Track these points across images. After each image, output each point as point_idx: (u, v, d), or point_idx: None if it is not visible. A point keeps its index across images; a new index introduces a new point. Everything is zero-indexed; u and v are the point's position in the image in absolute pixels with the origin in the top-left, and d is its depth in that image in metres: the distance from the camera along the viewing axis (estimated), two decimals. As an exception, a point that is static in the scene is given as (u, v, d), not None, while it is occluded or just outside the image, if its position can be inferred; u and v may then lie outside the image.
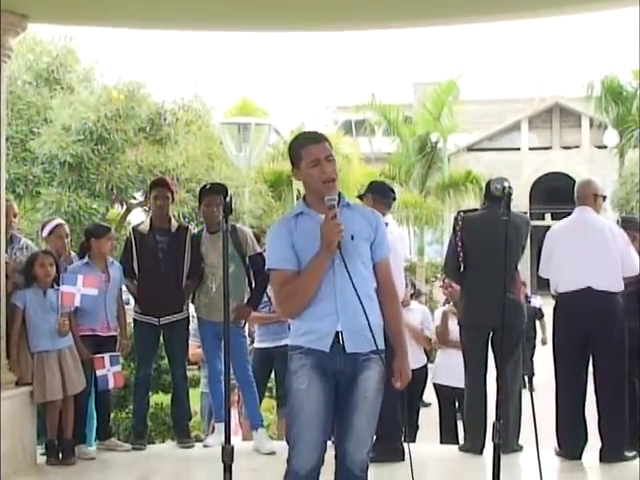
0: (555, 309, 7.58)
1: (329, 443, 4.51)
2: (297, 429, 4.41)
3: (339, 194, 4.52)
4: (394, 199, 7.91)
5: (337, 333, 4.38)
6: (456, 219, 7.90)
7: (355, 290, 4.28)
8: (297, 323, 4.51)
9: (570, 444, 7.36)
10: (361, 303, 4.28)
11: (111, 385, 7.96)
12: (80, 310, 7.74)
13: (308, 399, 4.38)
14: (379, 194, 7.66)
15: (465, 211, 8.23)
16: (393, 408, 7.09)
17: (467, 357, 7.83)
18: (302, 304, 4.42)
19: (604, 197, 7.79)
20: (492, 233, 7.39)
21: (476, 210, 8.15)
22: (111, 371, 7.87)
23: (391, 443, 7.24)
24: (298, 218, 4.52)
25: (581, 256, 7.29)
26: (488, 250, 7.31)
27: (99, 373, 7.82)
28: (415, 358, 9.69)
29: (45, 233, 8.41)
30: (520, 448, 7.66)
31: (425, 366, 9.91)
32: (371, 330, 4.33)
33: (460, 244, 7.75)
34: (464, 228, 7.74)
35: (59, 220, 8.81)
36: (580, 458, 7.33)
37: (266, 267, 4.57)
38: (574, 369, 7.38)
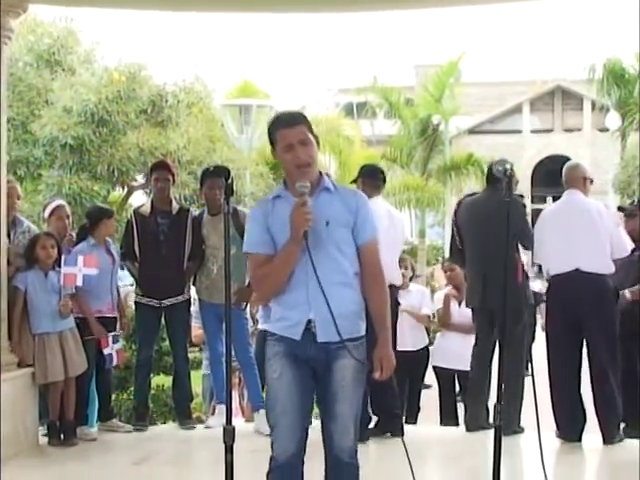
0: (547, 292, 7.65)
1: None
2: (274, 416, 4.39)
3: (321, 177, 4.44)
4: (384, 181, 7.89)
5: (309, 321, 4.31)
6: (457, 203, 8.04)
7: (318, 280, 4.18)
8: (273, 309, 4.46)
9: (568, 426, 7.38)
10: (323, 293, 4.18)
11: (115, 362, 8.07)
12: (88, 292, 7.76)
13: (280, 387, 4.34)
14: (368, 177, 7.73)
15: (468, 195, 8.30)
16: (392, 385, 7.21)
17: (476, 338, 7.98)
18: (273, 290, 4.38)
19: (591, 180, 7.79)
20: (485, 216, 7.45)
21: (474, 194, 8.23)
22: (114, 349, 7.95)
23: (391, 418, 7.44)
24: (275, 201, 4.44)
25: (569, 238, 7.31)
26: (483, 233, 7.39)
27: (105, 352, 7.86)
28: (416, 340, 9.76)
29: (46, 214, 8.42)
30: (522, 430, 7.69)
31: (426, 348, 9.94)
32: (334, 320, 4.19)
33: (457, 228, 7.86)
34: (458, 212, 7.86)
35: (60, 201, 8.81)
36: (580, 440, 7.34)
37: (242, 251, 4.53)
38: (567, 351, 7.42)
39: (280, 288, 4.34)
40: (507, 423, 7.54)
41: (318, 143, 4.47)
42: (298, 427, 4.34)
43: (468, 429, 7.86)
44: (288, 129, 4.37)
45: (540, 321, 16.16)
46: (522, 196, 8.35)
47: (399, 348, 9.99)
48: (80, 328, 7.79)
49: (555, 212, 7.67)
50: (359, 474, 4.47)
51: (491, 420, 6.50)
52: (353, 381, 4.35)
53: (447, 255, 11.66)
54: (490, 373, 7.71)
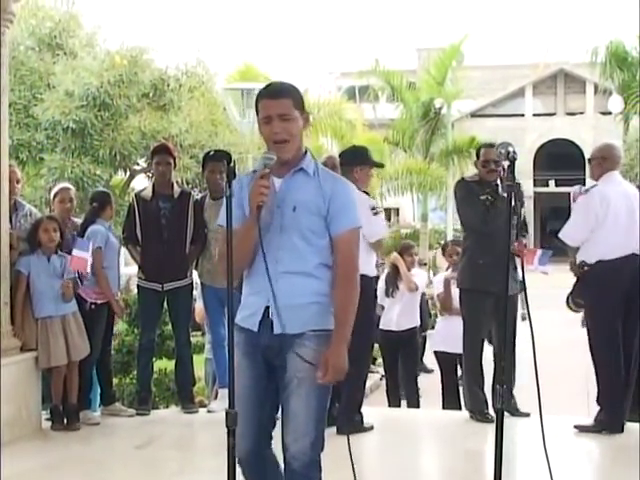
0: (591, 278, 7.29)
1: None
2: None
3: (303, 157, 4.15)
4: (361, 163, 7.43)
5: (267, 309, 4.08)
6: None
7: (266, 267, 3.96)
8: (243, 293, 4.28)
9: (617, 418, 7.32)
10: (270, 283, 3.97)
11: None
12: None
13: (237, 381, 4.06)
14: (344, 161, 7.42)
15: (464, 178, 8.30)
16: (357, 379, 7.05)
17: (467, 321, 7.86)
18: (234, 269, 4.03)
19: None
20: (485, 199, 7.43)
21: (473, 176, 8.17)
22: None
23: (349, 415, 7.10)
24: (253, 177, 4.12)
25: (627, 223, 7.20)
26: (482, 217, 7.37)
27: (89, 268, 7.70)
28: (400, 320, 9.84)
29: (51, 196, 8.43)
30: (527, 415, 7.67)
31: (414, 329, 10.02)
32: (278, 311, 4.01)
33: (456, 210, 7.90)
34: (456, 194, 7.89)
35: (66, 184, 8.80)
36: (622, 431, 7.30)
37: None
38: (616, 336, 7.23)
39: (240, 267, 4.09)
40: (508, 405, 7.59)
41: (307, 120, 4.22)
42: (254, 425, 4.15)
43: (471, 414, 7.81)
44: (270, 100, 4.10)
45: (520, 311, 16.09)
46: (519, 183, 8.28)
47: (383, 327, 10.12)
48: (93, 312, 7.86)
49: (609, 195, 7.32)
50: None
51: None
52: (309, 383, 4.00)
53: (449, 238, 11.66)
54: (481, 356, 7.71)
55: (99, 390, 8.31)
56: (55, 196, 8.26)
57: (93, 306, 7.88)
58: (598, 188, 7.38)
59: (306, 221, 4.06)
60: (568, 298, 7.58)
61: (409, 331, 10.02)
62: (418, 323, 10.20)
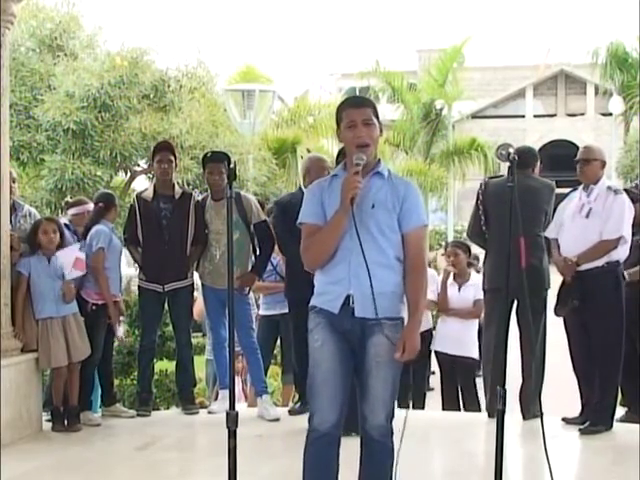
0: (614, 276, 7.28)
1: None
2: (315, 386, 4.44)
3: (378, 163, 4.56)
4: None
5: (348, 297, 4.41)
6: (480, 184, 7.95)
7: (363, 255, 4.30)
8: (316, 284, 4.57)
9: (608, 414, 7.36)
10: (368, 269, 4.30)
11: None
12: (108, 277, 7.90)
13: (322, 357, 4.42)
14: (339, 160, 7.48)
15: (491, 177, 8.23)
16: None
17: (488, 321, 7.86)
18: (319, 257, 4.48)
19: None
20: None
21: (502, 176, 8.11)
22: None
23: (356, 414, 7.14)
24: (333, 179, 4.59)
25: None
26: (508, 215, 7.34)
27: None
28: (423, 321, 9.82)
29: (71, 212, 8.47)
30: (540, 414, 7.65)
31: (429, 332, 9.97)
32: (373, 297, 4.32)
33: (482, 209, 7.77)
34: (485, 193, 7.76)
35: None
36: None
37: (297, 222, 4.61)
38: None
39: (325, 255, 4.45)
40: (527, 407, 7.57)
41: (381, 131, 4.59)
42: (339, 397, 4.41)
43: (490, 415, 7.72)
44: (354, 109, 4.54)
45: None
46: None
47: None
48: (95, 313, 7.87)
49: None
50: (392, 454, 4.50)
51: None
52: (388, 359, 4.40)
53: (450, 239, 11.61)
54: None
55: (100, 391, 8.31)
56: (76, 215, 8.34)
57: (94, 307, 7.89)
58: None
59: (383, 217, 4.46)
60: (566, 301, 7.49)
61: (421, 334, 9.93)
62: (430, 325, 10.12)
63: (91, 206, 8.37)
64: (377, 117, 4.59)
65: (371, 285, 4.32)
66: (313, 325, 4.50)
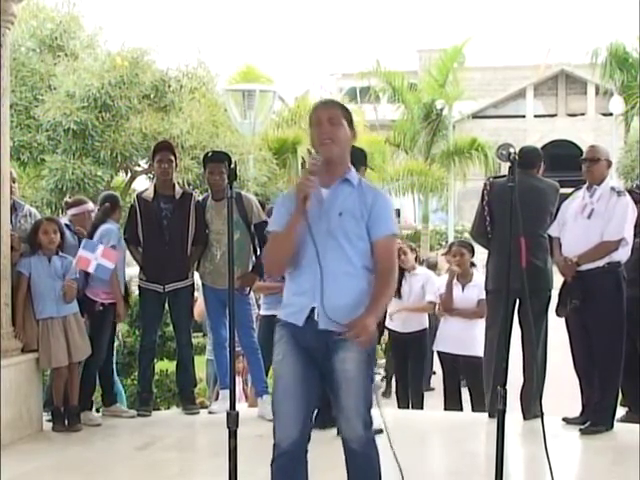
0: (618, 277, 7.29)
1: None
2: (276, 402, 4.37)
3: (347, 170, 4.45)
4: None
5: (313, 309, 4.29)
6: (485, 184, 7.89)
7: (320, 267, 4.23)
8: (284, 295, 4.49)
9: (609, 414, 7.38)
10: (332, 280, 4.23)
11: (111, 264, 7.74)
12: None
13: (282, 371, 4.34)
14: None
15: (495, 177, 8.20)
16: None
17: (491, 322, 7.85)
18: (276, 261, 4.43)
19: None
20: (519, 199, 7.38)
21: (505, 176, 8.07)
22: (98, 253, 7.71)
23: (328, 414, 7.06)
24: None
25: None
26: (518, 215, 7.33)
27: (91, 269, 7.74)
28: (406, 323, 9.83)
29: (72, 212, 8.42)
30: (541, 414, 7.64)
31: (423, 332, 9.98)
32: (338, 308, 4.22)
33: (487, 209, 7.74)
34: (491, 193, 7.72)
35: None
36: None
37: (265, 230, 4.59)
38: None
39: (281, 259, 4.37)
40: (528, 407, 7.56)
41: (354, 136, 4.52)
42: (301, 412, 4.29)
43: (491, 415, 7.70)
44: (322, 107, 4.50)
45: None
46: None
47: (389, 327, 10.10)
48: (101, 313, 7.89)
49: None
50: (375, 462, 4.41)
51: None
52: (357, 372, 4.30)
53: (450, 239, 11.59)
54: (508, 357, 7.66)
55: (121, 389, 8.38)
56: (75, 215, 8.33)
57: (101, 307, 7.89)
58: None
59: (351, 225, 4.35)
60: (566, 301, 7.48)
61: (417, 333, 9.97)
62: (426, 325, 10.14)
63: (90, 206, 8.37)
64: (349, 121, 4.49)
65: (336, 296, 4.24)
66: (277, 339, 4.41)
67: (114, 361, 8.58)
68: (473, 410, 9.25)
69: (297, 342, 4.33)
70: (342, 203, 4.37)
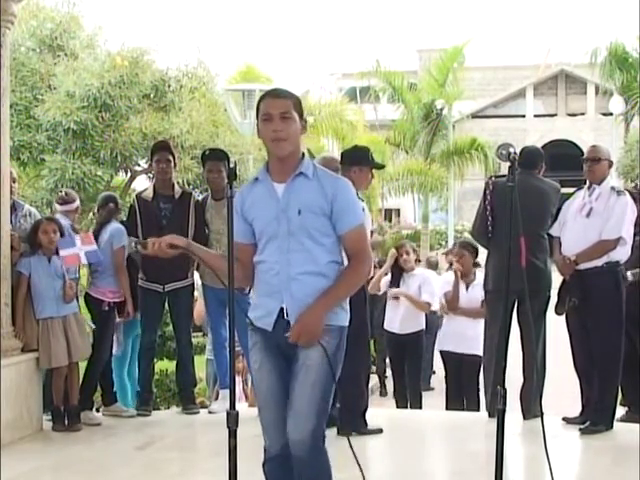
0: (618, 277, 7.30)
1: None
2: (259, 409, 4.33)
3: (301, 161, 4.28)
4: (358, 163, 7.30)
5: (282, 309, 4.20)
6: (487, 184, 7.85)
7: (284, 270, 4.17)
8: (253, 294, 4.45)
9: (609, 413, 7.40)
10: (296, 281, 4.15)
11: (94, 246, 7.79)
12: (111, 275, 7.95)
13: (261, 378, 4.30)
14: (343, 161, 7.35)
15: (497, 176, 8.19)
16: (355, 378, 6.92)
17: (490, 322, 7.83)
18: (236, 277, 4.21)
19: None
20: (522, 198, 7.38)
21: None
22: (79, 244, 7.74)
23: (352, 415, 6.99)
24: (254, 185, 4.37)
25: None
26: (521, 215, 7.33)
27: (82, 260, 7.78)
28: (403, 324, 9.83)
29: (65, 208, 8.40)
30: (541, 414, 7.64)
31: (420, 333, 9.99)
32: (293, 312, 4.14)
33: (489, 209, 7.71)
34: (494, 193, 7.70)
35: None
36: None
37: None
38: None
39: (237, 275, 4.19)
40: (528, 407, 7.56)
41: (305, 127, 4.33)
42: (284, 420, 4.21)
43: (490, 415, 7.69)
44: (272, 99, 4.25)
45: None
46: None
47: (387, 328, 10.12)
48: (107, 313, 7.95)
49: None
50: (321, 469, 4.24)
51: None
52: (316, 372, 4.16)
53: (450, 239, 11.58)
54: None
55: (137, 388, 8.39)
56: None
57: (107, 307, 7.90)
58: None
59: (312, 222, 4.20)
60: (565, 300, 7.47)
61: (413, 335, 9.98)
62: (423, 326, 10.14)
63: (78, 203, 8.41)
64: (299, 112, 4.27)
65: (301, 297, 4.14)
66: (251, 344, 4.34)
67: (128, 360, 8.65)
68: (466, 409, 9.27)
69: (270, 346, 4.27)
70: (299, 199, 4.20)
